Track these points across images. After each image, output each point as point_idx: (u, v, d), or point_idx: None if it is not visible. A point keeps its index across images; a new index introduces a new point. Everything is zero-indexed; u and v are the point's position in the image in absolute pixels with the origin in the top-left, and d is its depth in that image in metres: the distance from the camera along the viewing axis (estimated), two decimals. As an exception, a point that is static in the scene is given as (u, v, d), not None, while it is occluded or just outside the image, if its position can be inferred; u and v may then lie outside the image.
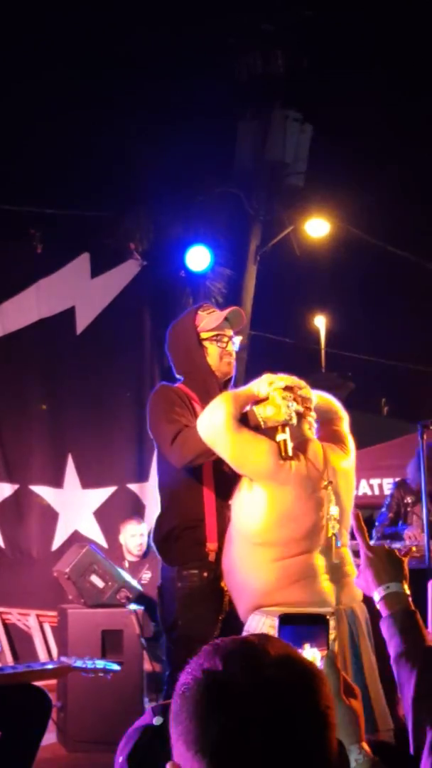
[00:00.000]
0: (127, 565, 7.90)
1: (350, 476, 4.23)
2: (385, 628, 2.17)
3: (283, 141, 11.91)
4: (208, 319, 4.47)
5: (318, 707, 1.32)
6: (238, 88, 12.14)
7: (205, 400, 4.25)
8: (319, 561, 3.95)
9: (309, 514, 3.95)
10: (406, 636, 2.11)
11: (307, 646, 1.78)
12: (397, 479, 7.81)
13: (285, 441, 3.92)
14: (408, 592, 2.22)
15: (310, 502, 3.96)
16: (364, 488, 11.50)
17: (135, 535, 8.05)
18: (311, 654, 1.78)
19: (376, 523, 7.62)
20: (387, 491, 8.63)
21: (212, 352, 4.46)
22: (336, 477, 4.07)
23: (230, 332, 4.48)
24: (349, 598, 3.93)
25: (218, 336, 4.45)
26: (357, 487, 11.20)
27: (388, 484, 8.89)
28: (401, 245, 13.70)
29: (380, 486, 11.25)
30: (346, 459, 4.21)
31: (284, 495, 3.93)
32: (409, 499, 7.40)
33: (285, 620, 1.81)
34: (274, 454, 3.91)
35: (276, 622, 1.82)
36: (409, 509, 7.38)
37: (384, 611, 2.19)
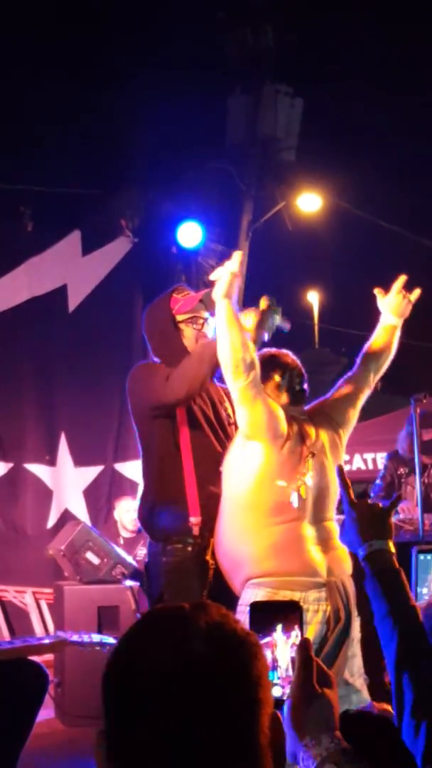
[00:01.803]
0: (122, 541, 7.92)
1: (338, 452, 4.24)
2: (369, 588, 2.15)
3: (274, 116, 11.84)
4: (184, 301, 4.52)
5: (245, 683, 1.27)
6: (228, 63, 12.05)
7: None
8: (308, 531, 3.98)
9: (296, 480, 3.98)
10: (389, 596, 2.09)
11: (279, 633, 1.74)
12: (391, 451, 7.82)
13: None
14: (393, 549, 2.21)
15: (298, 468, 3.98)
16: (357, 463, 11.52)
17: (129, 511, 8.08)
18: (283, 641, 1.74)
19: (371, 495, 7.64)
20: (381, 465, 8.65)
21: (188, 335, 4.52)
22: (323, 451, 4.10)
23: (206, 314, 4.51)
24: (340, 570, 3.96)
25: (194, 318, 4.50)
26: (351, 462, 11.24)
27: (381, 459, 8.89)
28: (394, 220, 13.66)
29: (374, 460, 11.26)
30: (337, 435, 4.24)
31: (277, 454, 3.97)
32: (402, 470, 7.41)
33: (257, 608, 1.78)
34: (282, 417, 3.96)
35: (247, 609, 1.78)
36: (403, 480, 7.39)
37: (368, 570, 2.18)
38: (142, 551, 7.76)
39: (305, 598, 3.86)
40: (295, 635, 1.76)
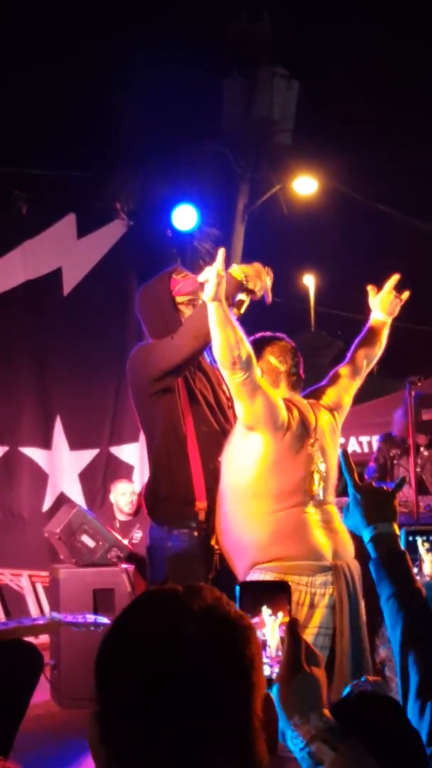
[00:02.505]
0: (117, 525, 7.94)
1: (336, 435, 4.26)
2: (374, 570, 2.16)
3: (270, 98, 11.82)
4: (183, 283, 4.44)
5: (238, 666, 1.28)
6: (225, 46, 12.02)
7: None
8: (312, 516, 3.98)
9: (299, 467, 3.99)
10: (394, 578, 2.10)
11: (267, 613, 1.73)
12: (383, 433, 7.85)
13: (243, 302, 4.13)
14: (397, 532, 2.22)
15: (301, 454, 4.00)
16: (353, 446, 11.55)
17: (125, 494, 8.09)
18: (271, 621, 1.74)
19: (366, 477, 7.67)
20: (375, 448, 8.70)
21: (188, 316, 4.45)
22: (323, 436, 4.10)
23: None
24: (345, 553, 3.96)
25: (193, 300, 4.41)
26: (346, 445, 11.27)
27: (377, 442, 8.94)
28: (390, 203, 13.65)
29: (369, 443, 11.29)
30: (334, 419, 4.25)
31: (279, 443, 3.96)
32: (394, 452, 7.44)
33: (245, 587, 1.77)
34: (281, 406, 3.96)
35: (237, 589, 1.77)
36: (395, 462, 7.43)
37: (373, 552, 2.19)
38: (138, 534, 7.78)
39: (312, 582, 3.87)
40: (284, 615, 1.76)
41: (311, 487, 3.99)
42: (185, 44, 11.20)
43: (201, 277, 3.90)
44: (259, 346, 4.12)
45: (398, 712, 1.91)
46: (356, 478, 2.31)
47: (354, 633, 3.90)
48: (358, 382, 4.42)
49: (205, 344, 4.13)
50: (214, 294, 3.83)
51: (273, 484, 3.97)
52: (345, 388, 4.36)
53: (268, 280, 4.22)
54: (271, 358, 4.16)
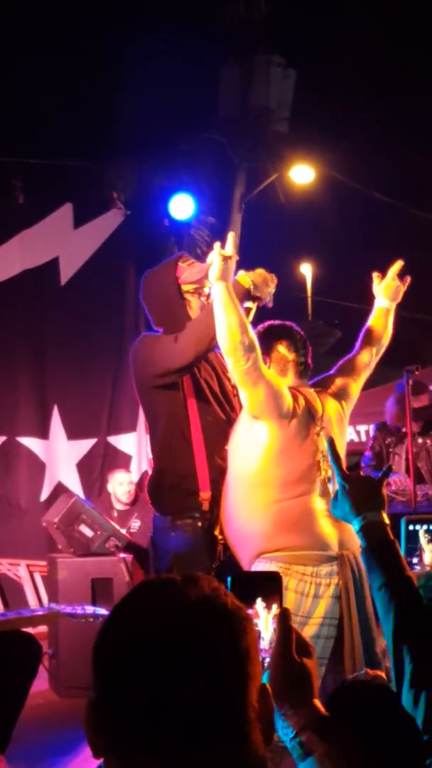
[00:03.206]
0: (115, 514, 7.95)
1: (343, 424, 4.26)
2: (365, 559, 2.17)
3: (266, 87, 11.79)
4: (190, 271, 4.41)
5: (234, 656, 1.28)
6: (221, 34, 11.98)
7: None
8: (318, 504, 3.96)
9: (304, 455, 3.98)
10: (385, 567, 2.11)
11: (261, 605, 1.74)
12: (378, 422, 7.84)
13: (250, 309, 4.10)
14: (387, 521, 2.22)
15: (306, 443, 3.99)
16: (350, 434, 11.53)
17: (123, 483, 8.10)
18: (265, 613, 1.75)
19: (362, 465, 7.68)
20: (372, 437, 8.70)
21: (194, 305, 4.42)
22: (330, 425, 4.10)
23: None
24: (351, 543, 3.91)
25: (199, 288, 4.38)
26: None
27: (372, 431, 8.93)
28: (387, 191, 13.64)
29: (367, 432, 11.27)
30: (341, 408, 4.25)
31: (284, 431, 3.95)
32: (390, 440, 7.44)
33: (237, 578, 1.77)
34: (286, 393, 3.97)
35: (228, 581, 1.77)
36: (390, 450, 7.43)
37: (363, 542, 2.19)
38: (136, 523, 7.79)
39: (317, 572, 3.87)
40: (276, 606, 1.76)
41: (317, 477, 3.99)
42: (181, 33, 11.14)
43: (208, 260, 3.91)
44: (268, 335, 4.12)
45: (394, 700, 1.92)
46: (344, 468, 2.32)
47: (362, 622, 3.89)
48: (366, 372, 4.43)
49: (210, 347, 4.13)
50: (220, 273, 3.82)
51: (279, 472, 3.97)
52: (353, 377, 4.37)
53: (273, 287, 4.23)
54: (280, 347, 4.15)
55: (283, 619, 1.73)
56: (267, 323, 4.23)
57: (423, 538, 2.43)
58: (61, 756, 5.25)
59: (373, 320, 4.47)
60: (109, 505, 8.11)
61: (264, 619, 1.73)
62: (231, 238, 3.92)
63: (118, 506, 8.09)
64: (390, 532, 2.19)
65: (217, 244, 3.88)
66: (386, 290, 4.43)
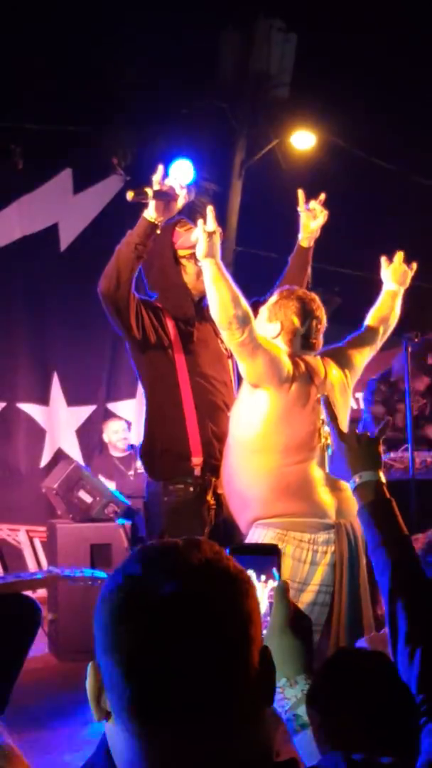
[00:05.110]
0: (117, 461, 8.06)
1: (347, 393, 4.28)
2: (362, 519, 2.17)
3: (267, 51, 11.67)
4: (186, 236, 4.39)
5: (236, 619, 1.28)
6: (221, -2, 11.86)
7: (179, 317, 4.27)
8: (317, 472, 3.98)
9: (305, 422, 4.00)
10: (381, 526, 2.11)
11: (255, 576, 1.73)
12: (379, 374, 7.80)
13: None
14: (384, 480, 2.22)
15: (307, 409, 4.00)
16: (350, 402, 11.54)
17: (118, 431, 8.25)
18: (261, 586, 1.74)
19: (365, 415, 7.65)
20: (370, 390, 8.67)
21: (190, 271, 4.42)
22: (333, 392, 4.11)
23: None
24: (348, 512, 3.93)
25: (196, 254, 4.39)
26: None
27: (373, 383, 8.90)
28: (390, 157, 13.53)
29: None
30: (345, 377, 4.26)
31: (284, 397, 3.97)
32: (396, 397, 7.44)
33: (235, 551, 1.76)
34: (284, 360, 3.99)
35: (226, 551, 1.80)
36: (396, 407, 7.42)
37: (359, 501, 2.20)
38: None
39: (314, 539, 3.89)
40: (273, 578, 1.77)
41: (317, 444, 4.00)
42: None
43: (192, 237, 3.91)
44: (288, 299, 4.12)
45: (389, 666, 1.93)
46: (339, 427, 2.32)
47: (352, 592, 3.92)
48: (371, 351, 4.51)
49: (117, 285, 4.36)
50: (206, 251, 3.84)
51: (280, 438, 3.98)
52: (359, 350, 4.44)
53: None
54: (294, 318, 4.14)
55: (281, 591, 1.73)
56: (294, 288, 4.24)
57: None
58: (60, 719, 5.30)
59: (380, 303, 4.59)
60: (111, 464, 8.20)
61: (261, 591, 1.74)
62: (210, 212, 3.91)
63: (115, 453, 8.19)
64: (387, 491, 2.19)
65: (200, 222, 3.88)
66: (394, 274, 4.55)
